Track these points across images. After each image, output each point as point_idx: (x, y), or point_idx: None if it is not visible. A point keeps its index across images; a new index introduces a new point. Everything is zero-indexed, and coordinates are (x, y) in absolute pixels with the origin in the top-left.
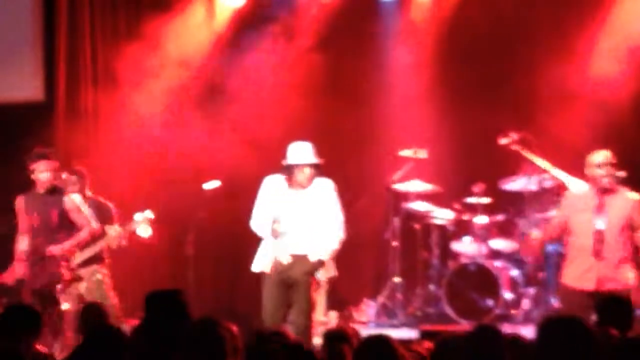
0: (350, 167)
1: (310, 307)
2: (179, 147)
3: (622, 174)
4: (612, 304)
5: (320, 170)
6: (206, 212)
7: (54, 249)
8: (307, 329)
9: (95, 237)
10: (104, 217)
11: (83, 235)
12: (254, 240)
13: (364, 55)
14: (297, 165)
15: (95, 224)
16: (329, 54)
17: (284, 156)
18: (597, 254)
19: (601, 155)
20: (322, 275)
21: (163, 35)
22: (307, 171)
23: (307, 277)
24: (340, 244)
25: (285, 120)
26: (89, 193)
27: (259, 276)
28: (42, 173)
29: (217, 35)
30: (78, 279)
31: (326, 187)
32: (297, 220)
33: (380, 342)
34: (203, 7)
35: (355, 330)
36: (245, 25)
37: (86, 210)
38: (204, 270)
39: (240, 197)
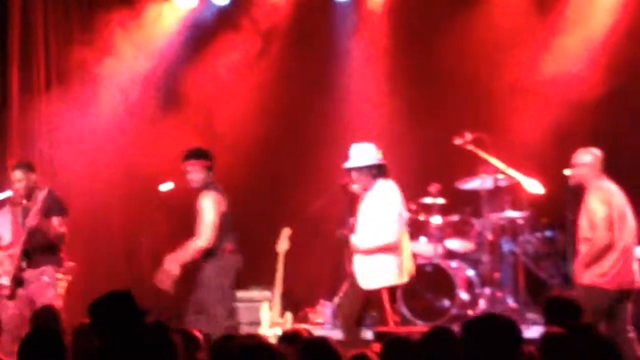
0: (308, 168)
1: None
2: (135, 149)
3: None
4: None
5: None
6: (161, 213)
7: None
8: None
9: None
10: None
11: None
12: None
13: (320, 54)
14: None
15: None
16: (284, 54)
17: (243, 155)
18: None
19: None
20: None
21: (117, 38)
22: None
23: None
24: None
25: (242, 121)
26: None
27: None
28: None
29: (171, 36)
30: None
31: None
32: None
33: (321, 345)
34: (157, 9)
35: (309, 331)
36: (199, 26)
37: None
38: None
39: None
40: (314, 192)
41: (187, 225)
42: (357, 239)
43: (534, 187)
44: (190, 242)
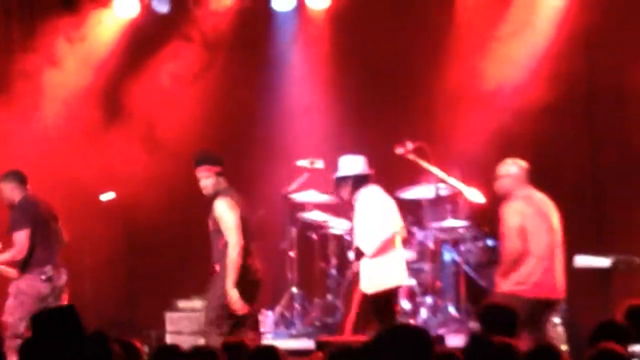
0: (250, 177)
1: None
2: (76, 159)
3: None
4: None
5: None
6: (102, 223)
7: None
8: None
9: None
10: None
11: None
12: (150, 251)
13: (262, 63)
14: None
15: None
16: (227, 63)
17: (184, 165)
18: None
19: None
20: None
21: (59, 46)
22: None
23: None
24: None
25: (184, 130)
26: None
27: (158, 287)
28: None
29: (112, 45)
30: None
31: None
32: None
33: (268, 354)
34: (98, 17)
35: (255, 340)
36: (141, 35)
37: None
38: (101, 282)
39: (139, 207)
40: (256, 202)
41: (129, 234)
42: (364, 246)
43: (475, 196)
44: (225, 257)
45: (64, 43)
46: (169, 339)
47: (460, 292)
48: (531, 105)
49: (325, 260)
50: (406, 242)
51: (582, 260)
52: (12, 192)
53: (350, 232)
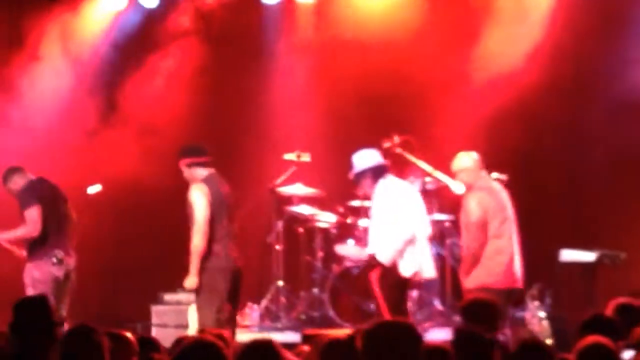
0: (235, 170)
1: None
2: (64, 153)
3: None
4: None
5: None
6: (89, 216)
7: None
8: None
9: None
10: None
11: None
12: (136, 244)
13: (249, 56)
14: None
15: None
16: (213, 55)
17: (171, 157)
18: None
19: None
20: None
21: (45, 40)
22: None
23: None
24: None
25: (171, 124)
26: None
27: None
28: None
29: (99, 39)
30: None
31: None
32: None
33: (265, 347)
34: (85, 10)
35: (229, 334)
36: (129, 28)
37: None
38: (86, 275)
39: (126, 200)
40: (243, 195)
41: (115, 227)
42: (380, 255)
43: (461, 189)
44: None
45: (51, 37)
46: (154, 332)
47: (446, 286)
48: (519, 96)
49: (311, 253)
50: None
51: (568, 255)
52: (16, 184)
53: (340, 226)
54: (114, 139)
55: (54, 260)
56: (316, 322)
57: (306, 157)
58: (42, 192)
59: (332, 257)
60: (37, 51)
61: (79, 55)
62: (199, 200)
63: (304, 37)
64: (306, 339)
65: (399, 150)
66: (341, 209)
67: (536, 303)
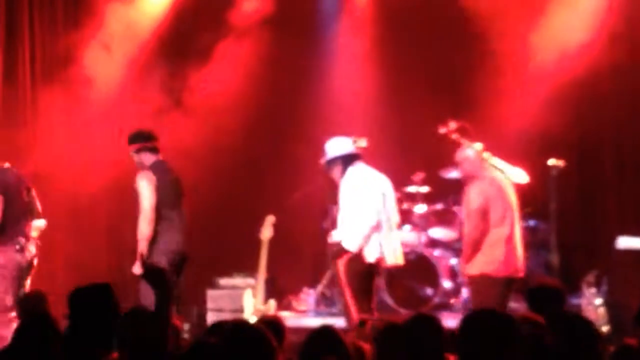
0: (292, 155)
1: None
2: (122, 140)
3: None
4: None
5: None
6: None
7: None
8: None
9: None
10: None
11: None
12: (192, 229)
13: (306, 41)
14: None
15: None
16: (270, 41)
17: (225, 142)
18: None
19: None
20: None
21: (101, 21)
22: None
23: None
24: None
25: (226, 108)
26: None
27: (199, 264)
28: None
29: (156, 24)
30: None
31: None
32: None
33: (328, 333)
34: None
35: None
36: (184, 15)
37: None
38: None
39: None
40: (298, 180)
41: None
42: (347, 242)
43: (518, 176)
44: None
45: (110, 22)
46: (209, 317)
47: None
48: (576, 82)
49: None
50: (448, 222)
51: (625, 242)
52: None
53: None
54: (172, 123)
55: (17, 247)
56: None
57: (362, 143)
58: (7, 181)
59: None
60: (96, 37)
61: (138, 41)
62: (145, 187)
63: (361, 22)
64: (362, 323)
65: (455, 136)
66: (397, 195)
67: (592, 290)
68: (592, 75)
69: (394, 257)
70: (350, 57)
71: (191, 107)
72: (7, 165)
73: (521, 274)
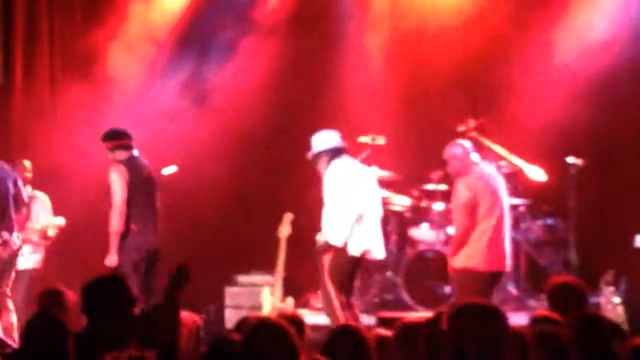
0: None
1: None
2: (141, 135)
3: None
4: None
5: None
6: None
7: None
8: None
9: None
10: None
11: None
12: (211, 226)
13: (324, 40)
14: None
15: None
16: (289, 40)
17: (244, 140)
18: None
19: None
20: None
21: (121, 18)
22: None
23: None
24: None
25: (245, 106)
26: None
27: (218, 261)
28: None
29: (177, 19)
30: None
31: None
32: None
33: (351, 332)
34: None
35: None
36: (207, 10)
37: None
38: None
39: (201, 183)
40: (316, 178)
41: (190, 209)
42: (332, 238)
43: (536, 174)
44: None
45: (129, 19)
46: (228, 314)
47: (520, 271)
48: (597, 80)
49: (385, 237)
50: None
51: None
52: None
53: (414, 210)
54: (193, 122)
55: (0, 241)
56: (390, 305)
57: (381, 140)
58: None
59: (406, 241)
60: (114, 33)
61: (157, 38)
62: (117, 182)
63: (379, 20)
64: (382, 322)
65: (473, 134)
66: (416, 193)
67: (611, 289)
68: (612, 73)
69: (378, 250)
70: (370, 54)
71: (212, 104)
72: None
73: (507, 268)
